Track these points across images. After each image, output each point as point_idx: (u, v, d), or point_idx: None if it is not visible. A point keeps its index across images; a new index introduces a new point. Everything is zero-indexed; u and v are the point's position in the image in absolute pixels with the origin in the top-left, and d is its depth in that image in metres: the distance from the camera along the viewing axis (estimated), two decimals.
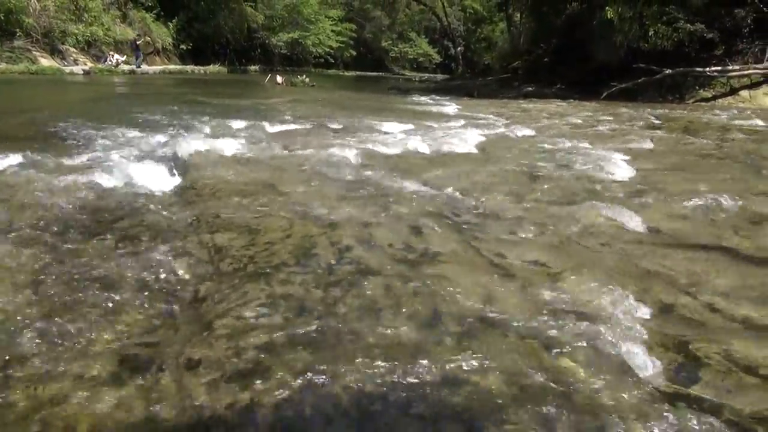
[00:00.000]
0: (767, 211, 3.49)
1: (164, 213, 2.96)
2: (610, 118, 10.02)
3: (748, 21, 15.93)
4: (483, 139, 6.76)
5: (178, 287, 2.07)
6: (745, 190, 4.02)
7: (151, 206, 3.06)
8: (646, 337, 1.82)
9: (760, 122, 9.53)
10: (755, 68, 15.94)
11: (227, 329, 1.71)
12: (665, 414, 1.42)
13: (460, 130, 7.50)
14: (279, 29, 38.01)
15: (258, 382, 1.45)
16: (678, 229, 3.07)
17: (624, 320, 1.90)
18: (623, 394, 1.50)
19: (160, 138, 5.32)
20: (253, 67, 34.10)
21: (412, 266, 2.31)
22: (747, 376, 1.63)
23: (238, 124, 6.80)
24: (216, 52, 31.84)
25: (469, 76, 32.39)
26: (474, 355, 1.61)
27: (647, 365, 1.68)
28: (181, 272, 2.20)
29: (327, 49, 42.48)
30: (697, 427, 1.37)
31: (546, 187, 4.03)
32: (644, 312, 2.00)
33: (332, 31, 43.01)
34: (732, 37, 16.37)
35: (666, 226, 3.10)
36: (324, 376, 1.46)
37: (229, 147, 4.99)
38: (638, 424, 1.38)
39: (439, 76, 45.24)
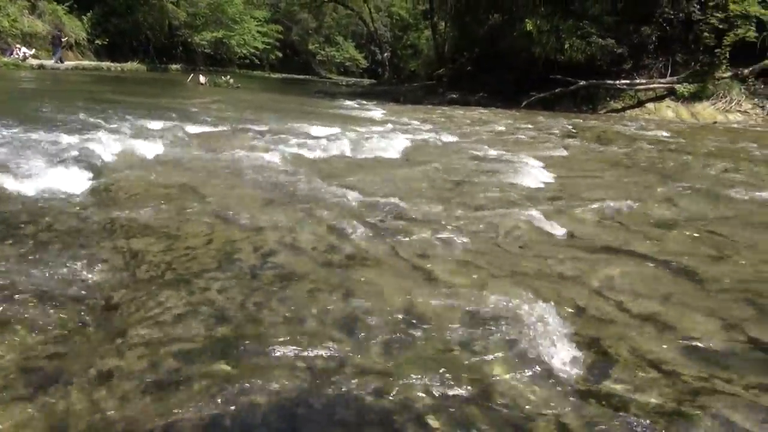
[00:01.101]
0: (670, 215, 3.74)
1: (75, 218, 2.80)
2: (530, 127, 10.43)
3: (653, 38, 17.07)
4: (408, 144, 6.85)
5: (90, 296, 1.96)
6: (650, 196, 4.30)
7: (61, 211, 2.89)
8: (561, 337, 1.90)
9: (663, 133, 10.21)
10: (659, 82, 17.10)
11: (143, 339, 1.64)
12: (579, 410, 1.49)
13: (386, 135, 7.57)
14: (202, 28, 36.93)
15: (175, 394, 1.40)
16: (590, 233, 3.23)
17: (541, 322, 1.97)
18: (540, 393, 1.55)
19: (72, 139, 5.02)
20: (174, 66, 32.92)
21: (336, 271, 2.31)
22: (652, 371, 1.74)
23: (157, 124, 6.54)
24: (134, 49, 30.51)
25: (396, 81, 32.69)
26: (397, 361, 1.63)
27: (563, 364, 1.75)
28: (93, 280, 2.08)
29: (252, 50, 41.72)
30: (606, 421, 1.44)
31: (468, 192, 4.14)
32: (560, 313, 2.09)
33: (258, 32, 42.29)
34: (639, 53, 17.47)
35: (579, 231, 3.25)
36: (246, 386, 1.43)
37: (147, 148, 4.79)
38: (554, 421, 1.43)
39: (366, 81, 45.51)
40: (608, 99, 17.43)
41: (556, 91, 17.06)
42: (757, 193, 4.49)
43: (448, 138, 7.82)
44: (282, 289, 2.02)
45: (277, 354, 1.59)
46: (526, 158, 5.90)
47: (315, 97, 19.96)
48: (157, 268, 2.19)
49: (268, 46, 43.85)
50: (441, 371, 1.58)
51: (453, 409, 1.43)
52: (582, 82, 16.76)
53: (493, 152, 6.36)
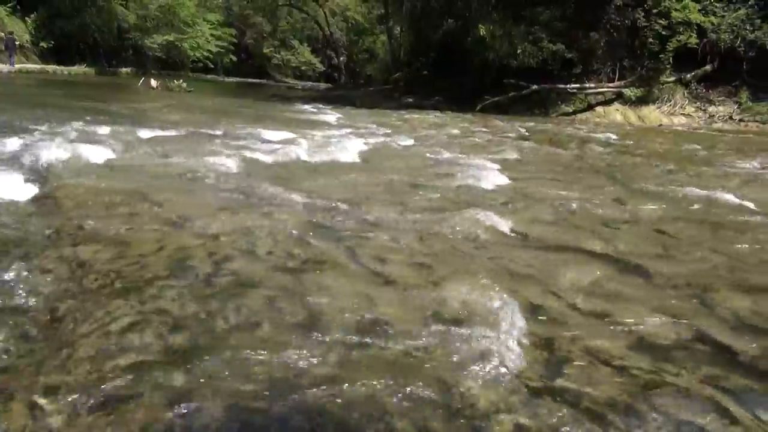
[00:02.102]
0: (619, 215, 3.86)
1: (17, 226, 2.68)
2: (485, 130, 10.59)
3: (601, 44, 17.61)
4: (365, 148, 6.86)
5: (34, 307, 1.88)
6: (601, 196, 4.42)
7: (1, 222, 2.76)
8: (517, 336, 1.92)
9: (612, 135, 10.53)
10: (608, 86, 17.64)
11: (90, 351, 1.58)
12: (534, 408, 1.51)
13: (343, 139, 7.56)
14: (153, 31, 36.01)
15: (125, 408, 1.35)
16: (544, 233, 3.29)
17: (497, 321, 1.99)
18: (497, 393, 1.57)
19: (15, 145, 4.81)
20: (124, 70, 32.01)
21: (294, 276, 2.28)
22: (603, 366, 1.78)
23: (106, 129, 6.34)
24: (81, 52, 29.54)
25: (352, 86, 32.71)
26: (356, 365, 1.62)
27: (518, 363, 1.77)
28: (37, 290, 2.00)
29: (206, 54, 40.97)
30: (560, 417, 1.47)
31: (425, 194, 4.17)
32: (515, 313, 2.11)
33: (211, 35, 41.57)
34: (588, 58, 18.02)
35: (533, 231, 3.31)
36: (199, 396, 1.39)
37: (96, 154, 4.64)
38: (510, 419, 1.45)
39: (323, 85, 45.30)
40: (560, 103, 17.89)
41: (510, 95, 17.40)
42: (702, 193, 4.68)
43: (404, 141, 7.87)
44: (237, 296, 1.98)
45: (232, 362, 1.56)
46: (481, 161, 5.98)
47: (271, 101, 19.75)
48: (106, 278, 2.12)
49: (221, 50, 43.14)
50: (398, 374, 1.57)
51: (410, 411, 1.43)
52: (535, 87, 17.15)
53: (449, 155, 6.42)
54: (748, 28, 16.47)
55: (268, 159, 5.38)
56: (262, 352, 1.63)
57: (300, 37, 58.91)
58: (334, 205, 3.69)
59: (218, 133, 7.20)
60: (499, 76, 17.72)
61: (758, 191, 5.10)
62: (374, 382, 1.52)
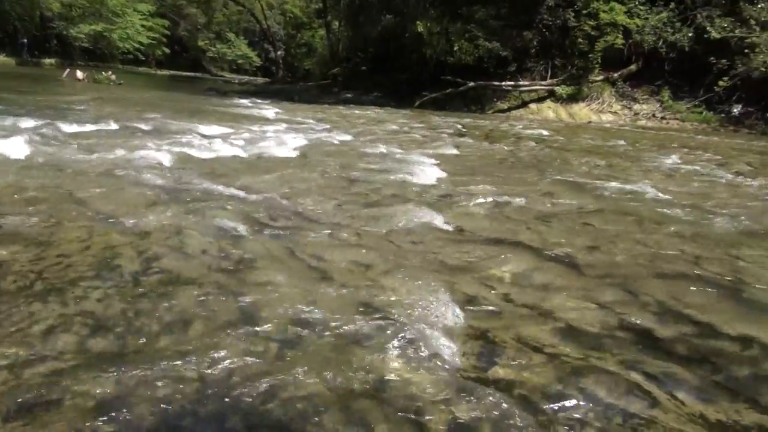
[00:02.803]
0: (550, 208, 3.99)
1: None
2: (422, 126, 10.71)
3: (534, 43, 18.14)
4: (303, 143, 6.79)
5: None
6: (533, 190, 4.56)
7: None
8: (452, 328, 1.96)
9: (545, 132, 10.88)
10: (541, 84, 18.21)
11: (6, 358, 1.49)
12: (469, 397, 1.54)
13: (281, 134, 7.46)
14: (79, 20, 34.34)
15: (45, 418, 1.28)
16: (479, 227, 3.36)
17: (433, 314, 2.02)
18: (433, 384, 1.59)
19: None
20: (48, 61, 30.39)
21: (228, 274, 2.23)
22: (535, 354, 1.84)
23: (27, 123, 6.00)
24: (1, 41, 27.83)
25: (290, 80, 32.33)
26: (292, 362, 1.60)
27: (454, 355, 1.81)
28: None
29: (136, 45, 39.47)
30: (494, 405, 1.50)
31: (364, 190, 4.17)
32: (451, 305, 2.15)
33: (142, 26, 40.08)
34: (522, 56, 18.53)
35: (469, 225, 3.38)
36: (125, 403, 1.34)
37: (15, 149, 4.39)
38: (445, 409, 1.48)
39: (260, 80, 44.54)
40: (495, 100, 18.32)
41: (447, 91, 17.67)
42: (626, 187, 4.91)
43: (343, 137, 7.85)
44: (168, 296, 1.92)
45: (162, 364, 1.51)
46: (419, 156, 6.05)
47: (206, 95, 19.25)
48: (25, 279, 2.00)
49: (153, 42, 41.69)
50: (335, 369, 1.57)
51: (347, 405, 1.43)
52: (471, 83, 17.49)
53: (387, 151, 6.45)
54: (669, 30, 17.36)
55: (202, 154, 5.24)
56: (194, 352, 1.59)
57: (236, 29, 57.67)
58: (270, 200, 3.64)
59: (150, 127, 6.95)
60: (436, 72, 17.96)
61: (677, 185, 5.40)
62: (310, 378, 1.51)
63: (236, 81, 41.11)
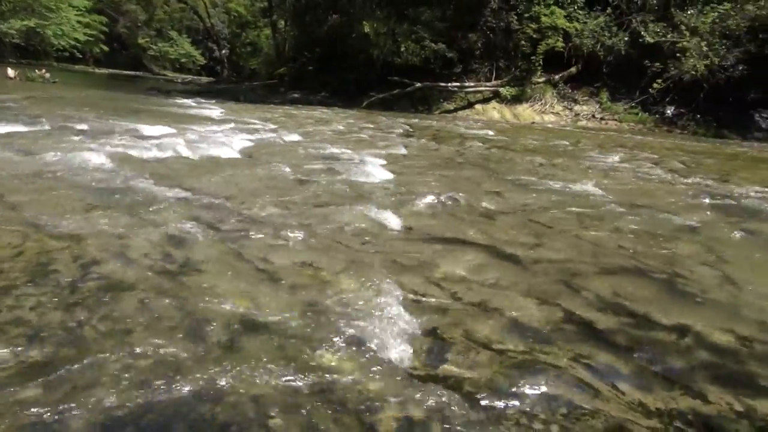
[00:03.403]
0: (496, 206, 4.07)
1: None
2: (370, 126, 10.72)
3: (479, 45, 18.48)
4: (250, 144, 6.68)
5: None
6: (479, 189, 4.64)
7: None
8: (401, 326, 1.97)
9: (490, 132, 11.09)
10: (486, 85, 18.55)
11: None
12: (419, 394, 1.55)
13: (226, 135, 7.31)
14: (9, 15, 32.68)
15: None
16: (427, 226, 3.39)
17: (382, 313, 2.03)
18: (383, 382, 1.59)
19: None
20: None
21: (172, 278, 2.17)
22: (483, 350, 1.87)
23: None
24: None
25: (236, 80, 31.74)
26: (239, 365, 1.57)
27: (403, 352, 1.82)
28: None
29: (72, 42, 37.88)
30: (443, 401, 1.52)
31: (312, 190, 4.14)
32: (400, 304, 2.16)
33: (78, 22, 38.49)
34: (468, 58, 18.84)
35: (417, 223, 3.41)
36: (61, 412, 1.28)
37: None
38: (395, 407, 1.48)
39: (204, 79, 43.53)
40: (442, 100, 18.55)
41: (395, 92, 17.77)
42: (569, 185, 5.06)
43: (290, 137, 7.76)
44: (108, 302, 1.85)
45: (101, 371, 1.45)
46: (367, 156, 6.05)
47: (147, 95, 18.67)
48: None
49: (91, 39, 40.13)
50: (283, 370, 1.55)
51: (296, 406, 1.41)
52: (418, 84, 17.65)
53: (335, 151, 6.43)
54: (606, 34, 18.02)
55: (144, 155, 5.08)
56: (134, 358, 1.53)
57: (179, 27, 56.20)
58: (216, 202, 3.56)
59: (87, 127, 6.67)
60: (383, 73, 18.04)
61: (616, 183, 5.60)
62: (256, 381, 1.48)
63: (179, 80, 40.04)
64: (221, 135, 7.21)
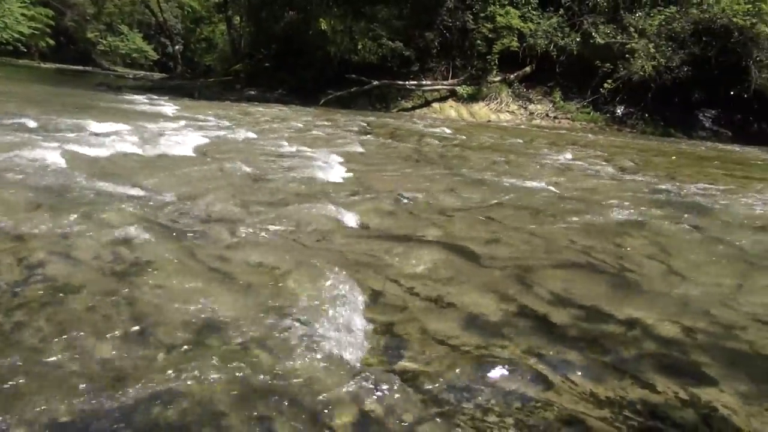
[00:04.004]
0: (453, 203, 4.10)
1: None
2: (328, 124, 10.67)
3: (436, 43, 18.61)
4: (205, 141, 6.55)
5: None
6: (436, 186, 4.68)
7: None
8: (359, 325, 1.96)
9: (447, 130, 11.19)
10: (443, 84, 18.71)
11: None
12: (376, 392, 1.55)
13: (180, 132, 7.15)
14: None
15: None
16: (384, 223, 3.40)
17: (339, 311, 2.01)
18: (340, 381, 1.59)
19: None
20: None
21: (121, 279, 2.11)
22: (439, 346, 1.88)
23: None
24: None
25: (190, 76, 31.02)
26: (191, 367, 1.53)
27: (360, 350, 1.81)
28: None
29: (16, 36, 36.36)
30: (400, 398, 1.52)
31: (268, 188, 4.09)
32: (357, 302, 2.16)
33: (22, 15, 36.97)
34: (425, 56, 18.95)
35: (375, 221, 3.41)
36: (4, 423, 1.22)
37: None
38: (351, 406, 1.47)
39: (157, 75, 42.38)
40: (399, 98, 18.60)
41: (352, 89, 17.71)
42: (524, 182, 5.15)
43: (246, 135, 7.65)
44: (52, 305, 1.78)
45: (45, 377, 1.40)
46: (324, 154, 6.01)
47: (97, 91, 18.06)
48: None
49: (36, 32, 38.59)
50: (236, 371, 1.52)
51: (249, 407, 1.39)
52: (376, 82, 17.64)
53: (292, 149, 6.37)
54: (559, 34, 18.42)
55: (93, 152, 4.91)
56: (80, 362, 1.48)
57: (130, 21, 54.58)
58: (168, 200, 3.48)
59: (33, 124, 6.42)
60: (341, 70, 17.95)
61: (569, 180, 5.73)
62: (209, 383, 1.45)
63: (131, 76, 38.86)
64: (174, 132, 7.04)
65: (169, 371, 1.49)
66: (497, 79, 18.68)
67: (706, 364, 1.89)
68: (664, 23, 17.15)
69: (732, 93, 17.16)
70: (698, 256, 3.20)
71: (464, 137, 10.17)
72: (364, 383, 1.57)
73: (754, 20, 15.79)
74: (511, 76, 18.84)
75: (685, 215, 4.19)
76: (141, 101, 14.21)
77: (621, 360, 1.89)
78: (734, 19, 15.95)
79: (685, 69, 16.64)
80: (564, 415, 1.53)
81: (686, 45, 16.75)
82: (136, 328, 1.70)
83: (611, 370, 1.82)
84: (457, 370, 1.71)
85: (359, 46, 17.91)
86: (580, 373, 1.77)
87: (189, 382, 1.45)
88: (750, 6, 15.93)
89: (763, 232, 3.87)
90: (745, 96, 16.77)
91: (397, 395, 1.53)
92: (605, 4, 18.00)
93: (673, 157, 9.59)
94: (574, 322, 2.18)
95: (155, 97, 16.31)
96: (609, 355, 1.92)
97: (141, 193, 3.60)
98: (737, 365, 1.89)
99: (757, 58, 16.22)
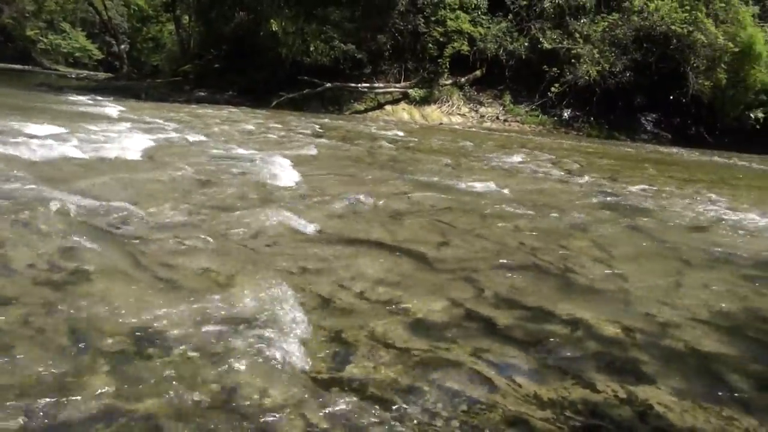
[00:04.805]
0: (404, 207, 4.13)
1: None
2: (280, 126, 10.56)
3: (388, 46, 18.70)
4: (151, 144, 6.37)
5: None
6: (388, 189, 4.70)
7: None
8: (307, 331, 1.95)
9: (399, 133, 11.26)
10: (395, 87, 18.82)
11: None
12: (322, 400, 1.54)
13: (126, 135, 6.93)
14: None
15: None
16: (336, 227, 3.39)
17: (287, 318, 1.99)
18: (285, 390, 1.57)
19: None
20: None
21: (59, 289, 2.03)
22: (387, 351, 1.89)
23: None
24: None
25: (136, 76, 30.11)
26: (132, 380, 1.49)
27: (307, 357, 1.80)
28: None
29: None
30: (347, 405, 1.52)
31: (217, 193, 4.02)
32: (306, 308, 2.14)
33: None
34: (377, 59, 19.01)
35: (326, 225, 3.39)
36: None
37: None
38: (298, 415, 1.46)
39: (102, 75, 40.96)
40: (352, 101, 18.61)
41: (305, 92, 17.61)
42: (474, 185, 5.23)
43: (195, 137, 7.49)
44: None
45: None
46: (276, 157, 5.95)
47: (36, 91, 17.32)
48: None
49: None
50: (180, 383, 1.49)
51: (194, 421, 1.36)
52: (328, 84, 17.60)
53: (242, 152, 6.28)
54: (508, 39, 18.83)
55: (31, 156, 4.70)
56: (15, 377, 1.42)
57: (72, 19, 52.58)
58: (112, 206, 3.36)
59: None
60: (293, 72, 17.81)
61: (517, 183, 5.87)
62: (151, 396, 1.41)
63: (73, 76, 37.41)
64: (119, 135, 6.82)
65: (109, 386, 1.44)
66: (449, 82, 18.92)
67: (644, 362, 1.96)
68: (607, 30, 17.77)
69: (671, 97, 17.96)
70: (638, 257, 3.32)
71: (416, 140, 10.26)
72: (311, 392, 1.56)
73: (690, 28, 16.56)
74: (462, 80, 19.12)
75: (626, 217, 4.35)
76: (84, 102, 13.71)
77: (564, 360, 1.95)
78: (673, 27, 16.68)
79: (628, 74, 17.30)
80: (508, 417, 1.56)
81: (628, 51, 17.40)
82: (75, 340, 1.64)
83: (554, 370, 1.86)
84: (405, 375, 1.72)
85: (311, 48, 17.81)
86: (524, 375, 1.81)
87: (129, 397, 1.40)
88: (687, 14, 16.68)
89: (698, 232, 4.06)
90: (684, 100, 17.59)
91: (344, 403, 1.52)
92: (552, 10, 18.50)
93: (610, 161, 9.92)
94: (520, 323, 2.23)
95: (99, 98, 15.77)
96: (552, 355, 1.97)
97: (82, 198, 3.47)
98: (672, 363, 1.98)
99: (694, 65, 17.01)
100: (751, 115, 17.36)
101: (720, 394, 1.79)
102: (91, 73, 44.29)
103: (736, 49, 16.79)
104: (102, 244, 2.61)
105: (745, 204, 5.44)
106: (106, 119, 9.23)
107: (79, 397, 1.39)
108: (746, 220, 4.50)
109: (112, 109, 11.92)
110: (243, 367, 1.61)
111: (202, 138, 7.55)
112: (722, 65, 16.91)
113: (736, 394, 1.79)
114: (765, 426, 1.63)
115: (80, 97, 15.27)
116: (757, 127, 17.35)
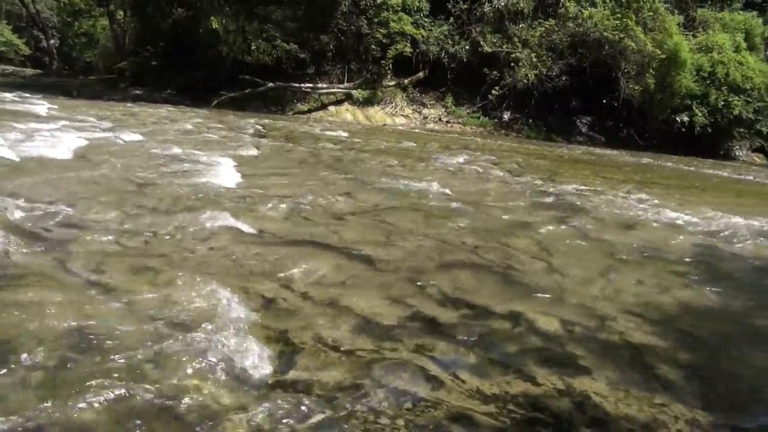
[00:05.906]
0: (348, 207, 4.13)
1: None
2: (220, 126, 10.33)
3: (331, 47, 18.64)
4: (84, 143, 6.11)
5: None
6: (332, 190, 4.68)
7: None
8: (250, 334, 1.91)
9: (343, 133, 11.24)
10: (338, 87, 18.79)
11: None
12: (266, 403, 1.52)
13: (56, 133, 6.61)
14: None
15: None
16: (279, 229, 3.35)
17: (230, 321, 1.95)
18: (229, 394, 1.54)
19: None
20: None
21: None
22: (333, 352, 1.88)
23: None
24: None
25: (68, 73, 28.85)
26: (66, 390, 1.42)
27: (252, 361, 1.76)
28: None
29: None
30: (291, 408, 1.50)
31: (153, 194, 3.89)
32: (249, 310, 2.10)
33: None
34: (320, 59, 18.91)
35: (268, 227, 3.34)
36: None
37: None
38: (243, 418, 1.44)
39: (29, 71, 38.94)
40: (295, 101, 18.43)
41: (246, 91, 17.31)
42: (417, 185, 5.28)
43: (130, 137, 7.22)
44: None
45: None
46: (216, 158, 5.82)
47: None
48: None
49: None
50: (118, 391, 1.43)
51: (137, 426, 1.31)
52: (270, 84, 17.36)
53: (181, 152, 6.10)
54: (450, 42, 19.12)
55: None
56: None
57: None
58: (41, 208, 3.21)
59: None
60: (234, 71, 17.46)
61: (459, 183, 5.96)
62: (88, 406, 1.35)
63: None
64: (49, 134, 6.50)
65: (40, 397, 1.37)
66: (392, 83, 19.03)
67: (581, 355, 2.03)
68: (544, 35, 18.33)
69: (604, 101, 18.74)
70: (575, 254, 3.44)
71: (360, 141, 10.26)
72: (256, 395, 1.53)
73: (621, 35, 17.29)
74: (405, 81, 19.27)
75: (564, 215, 4.50)
76: (10, 99, 12.98)
77: (505, 355, 1.99)
78: (605, 33, 17.38)
79: (564, 78, 17.90)
80: (452, 413, 1.58)
81: (564, 56, 18.01)
82: (0, 349, 1.55)
83: (496, 365, 1.91)
84: (350, 375, 1.72)
85: (253, 47, 17.52)
86: (467, 371, 1.84)
87: (63, 408, 1.34)
88: (618, 22, 17.42)
89: (630, 229, 4.24)
90: (616, 104, 18.39)
91: (289, 405, 1.51)
92: (491, 14, 18.91)
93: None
94: (463, 320, 2.26)
95: (27, 95, 14.96)
96: (494, 351, 2.02)
97: (8, 199, 3.29)
98: (607, 354, 2.06)
99: (625, 70, 17.79)
100: (677, 118, 18.35)
101: (652, 383, 1.87)
102: (18, 68, 41.99)
103: (663, 56, 17.68)
104: (31, 248, 2.49)
105: (673, 203, 5.73)
106: (34, 117, 8.77)
107: (6, 410, 1.32)
108: (673, 218, 4.73)
109: (42, 106, 11.34)
110: (186, 373, 1.56)
111: (139, 137, 7.29)
112: (651, 71, 17.77)
113: (666, 383, 1.88)
114: (694, 412, 1.72)
115: (6, 94, 14.44)
116: (683, 129, 18.36)
